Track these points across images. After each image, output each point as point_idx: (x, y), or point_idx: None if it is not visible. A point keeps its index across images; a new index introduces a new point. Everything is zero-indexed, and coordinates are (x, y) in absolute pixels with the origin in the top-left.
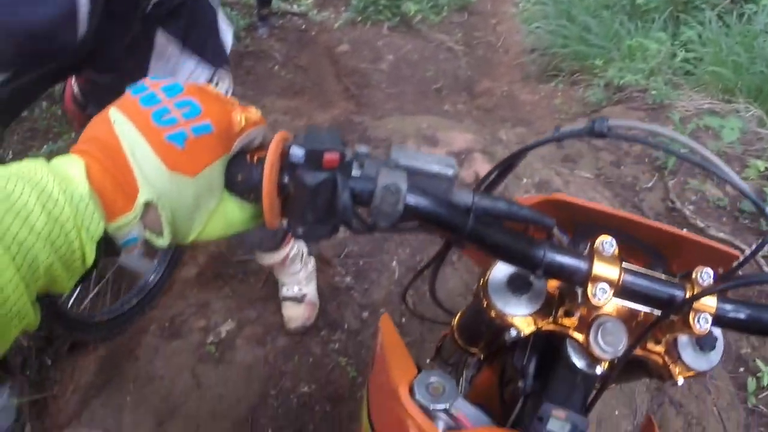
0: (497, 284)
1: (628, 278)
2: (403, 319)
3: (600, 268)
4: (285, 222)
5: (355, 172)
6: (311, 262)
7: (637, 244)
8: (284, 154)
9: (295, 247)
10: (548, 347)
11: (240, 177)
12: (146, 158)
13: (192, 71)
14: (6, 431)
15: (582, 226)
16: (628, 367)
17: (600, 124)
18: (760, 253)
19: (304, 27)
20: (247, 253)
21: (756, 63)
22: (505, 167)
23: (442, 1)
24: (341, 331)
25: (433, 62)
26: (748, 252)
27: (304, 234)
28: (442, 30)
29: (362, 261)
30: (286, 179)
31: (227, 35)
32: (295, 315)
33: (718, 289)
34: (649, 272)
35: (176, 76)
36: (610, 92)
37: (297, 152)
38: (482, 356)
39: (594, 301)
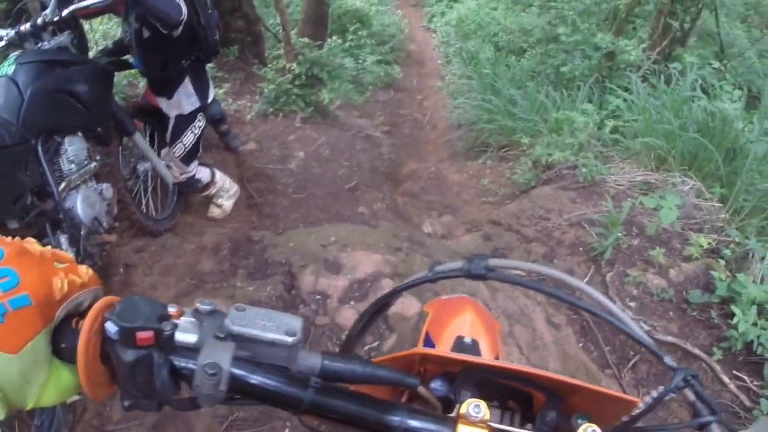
0: None
1: None
2: None
3: None
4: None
5: (184, 337)
6: None
7: (530, 384)
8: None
9: None
10: None
11: (64, 345)
12: None
13: (191, 98)
14: None
15: (468, 370)
16: None
17: (477, 266)
18: None
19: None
20: None
21: (687, 129)
22: (378, 309)
23: (366, 80)
24: None
25: (349, 155)
26: (649, 400)
27: (130, 407)
28: (363, 113)
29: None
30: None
31: (211, 88)
32: None
33: None
34: None
35: (181, 98)
36: (539, 170)
37: (111, 328)
38: None
39: None
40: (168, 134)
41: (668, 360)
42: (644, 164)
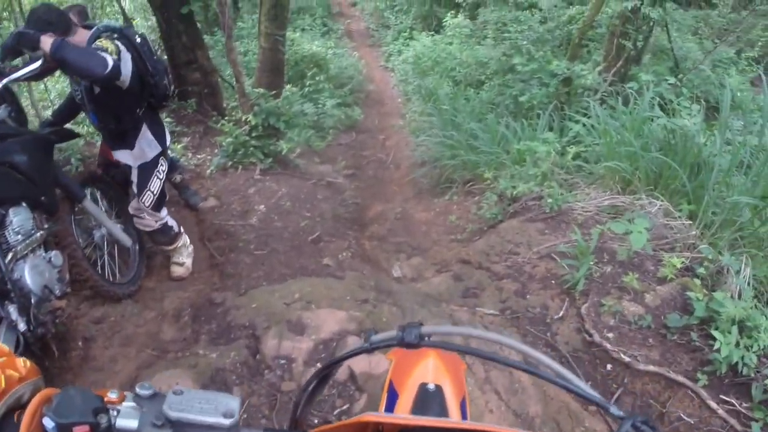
0: None
1: None
2: None
3: None
4: None
5: (125, 423)
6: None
7: None
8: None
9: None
10: None
11: None
12: None
13: (151, 144)
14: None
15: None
16: None
17: (410, 334)
18: None
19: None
20: None
21: (649, 149)
22: (320, 380)
23: (327, 124)
24: None
25: (311, 205)
26: None
27: None
28: (326, 158)
29: None
30: None
31: (168, 135)
32: None
33: None
34: None
35: (143, 146)
36: (504, 204)
37: (48, 424)
38: None
39: None
40: (134, 186)
41: (614, 410)
42: (609, 188)
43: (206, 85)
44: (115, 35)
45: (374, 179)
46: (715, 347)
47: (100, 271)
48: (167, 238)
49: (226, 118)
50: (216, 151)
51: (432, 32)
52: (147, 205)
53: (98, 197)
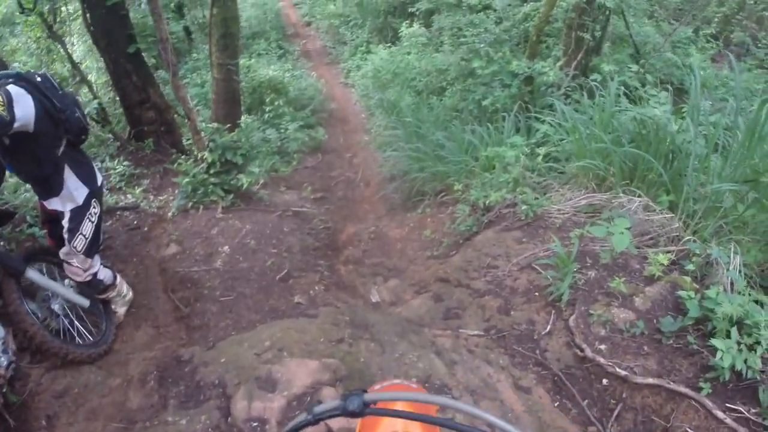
0: None
1: None
2: None
3: None
4: None
5: None
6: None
7: None
8: None
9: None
10: None
11: None
12: None
13: (77, 186)
14: None
15: None
16: None
17: (353, 402)
18: None
19: (135, 223)
20: None
21: (621, 142)
22: None
23: (291, 148)
24: None
25: (277, 240)
26: None
27: None
28: (292, 183)
29: None
30: None
31: (99, 175)
32: None
33: None
34: None
35: (69, 188)
36: (478, 214)
37: None
38: None
39: None
40: (65, 231)
41: None
42: (584, 186)
43: (162, 122)
44: (10, 80)
45: (344, 200)
46: (717, 356)
47: (65, 338)
48: (95, 290)
49: (183, 156)
50: (176, 191)
51: (389, 44)
52: (78, 249)
53: (45, 268)
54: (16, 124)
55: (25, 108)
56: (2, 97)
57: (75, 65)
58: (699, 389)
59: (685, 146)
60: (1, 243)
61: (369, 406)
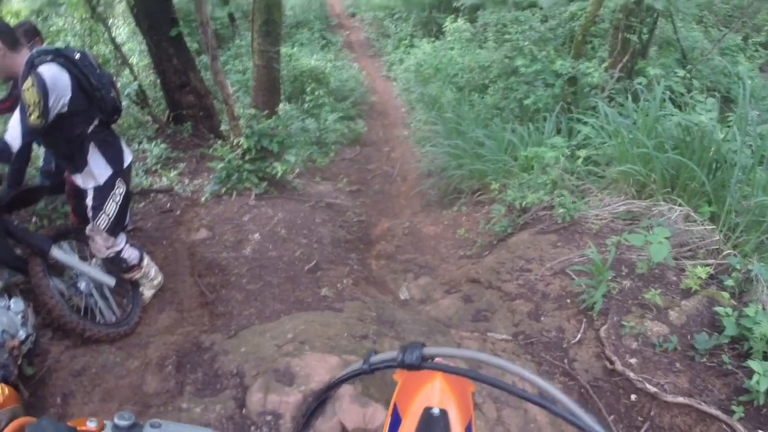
0: None
1: None
2: None
3: None
4: None
5: None
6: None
7: None
8: None
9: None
10: None
11: None
12: None
13: (100, 166)
14: None
15: None
16: None
17: (410, 355)
18: None
19: (168, 206)
20: None
21: (664, 149)
22: (318, 404)
23: (329, 139)
24: None
25: (308, 231)
26: None
27: None
28: (328, 175)
29: None
30: None
31: (128, 155)
32: None
33: None
34: None
35: (92, 167)
36: (514, 215)
37: None
38: None
39: None
40: (89, 209)
41: None
42: (624, 192)
43: (201, 107)
44: (49, 56)
45: (380, 194)
46: (753, 379)
47: (85, 315)
48: (119, 269)
49: (220, 142)
50: (210, 176)
51: (432, 38)
52: (102, 227)
53: (73, 246)
54: (50, 116)
55: (60, 91)
56: (37, 94)
57: (117, 47)
58: (731, 412)
59: (730, 156)
60: (34, 220)
61: (427, 360)
